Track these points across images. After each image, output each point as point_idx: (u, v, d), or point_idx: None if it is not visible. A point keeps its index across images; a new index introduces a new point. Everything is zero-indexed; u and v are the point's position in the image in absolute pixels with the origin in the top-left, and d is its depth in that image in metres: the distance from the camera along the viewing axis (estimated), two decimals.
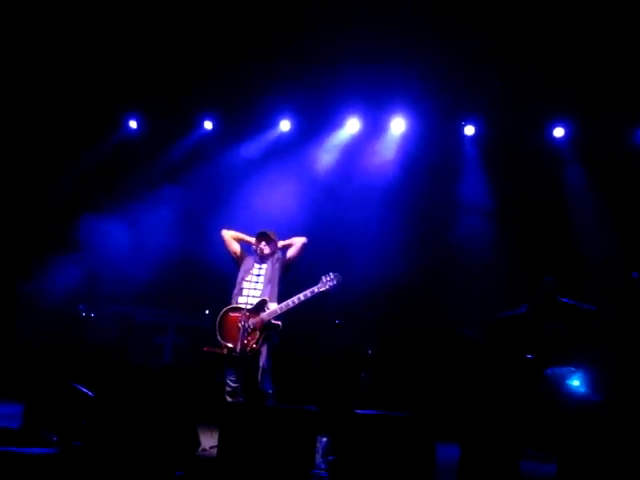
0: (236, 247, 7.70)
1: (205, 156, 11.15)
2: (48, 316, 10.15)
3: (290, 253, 7.54)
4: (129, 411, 6.16)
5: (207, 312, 10.18)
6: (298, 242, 7.55)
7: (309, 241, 7.62)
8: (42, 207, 10.84)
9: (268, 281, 7.38)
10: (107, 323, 10.22)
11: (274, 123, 11.06)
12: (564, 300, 8.41)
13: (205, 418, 7.01)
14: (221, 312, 7.39)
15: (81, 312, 10.30)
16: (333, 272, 7.31)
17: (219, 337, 7.29)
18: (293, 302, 7.22)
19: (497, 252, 10.05)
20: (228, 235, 7.76)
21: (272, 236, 7.55)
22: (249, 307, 7.23)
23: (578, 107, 10.02)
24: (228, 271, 7.94)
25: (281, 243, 7.61)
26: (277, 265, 7.48)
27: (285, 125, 11.02)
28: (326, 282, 7.26)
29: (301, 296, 7.23)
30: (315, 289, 7.25)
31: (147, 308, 10.33)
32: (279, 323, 7.23)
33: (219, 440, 5.96)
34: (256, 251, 7.49)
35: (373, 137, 10.86)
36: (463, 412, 6.93)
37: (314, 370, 9.50)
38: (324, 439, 6.39)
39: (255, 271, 7.47)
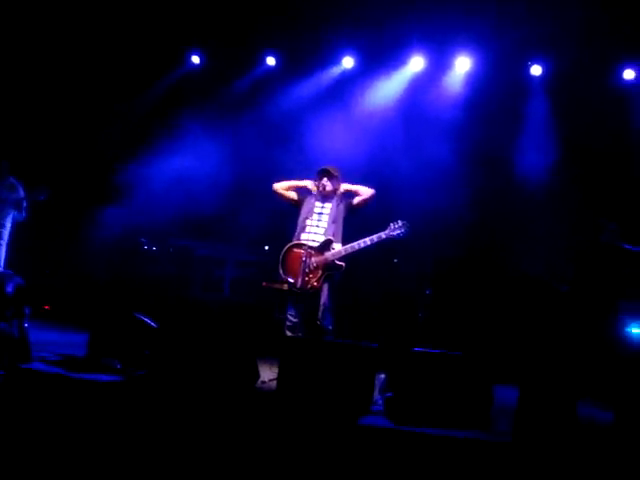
0: (292, 194, 7.67)
1: (268, 92, 11.07)
2: (112, 249, 10.36)
3: (356, 200, 7.47)
4: (190, 343, 6.30)
5: (266, 248, 10.25)
6: (366, 193, 7.46)
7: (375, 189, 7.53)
8: (106, 144, 10.97)
9: (333, 220, 7.35)
10: (168, 256, 10.38)
11: (337, 60, 10.92)
12: (627, 247, 8.28)
13: (264, 352, 7.14)
14: (285, 247, 7.40)
15: (143, 245, 10.47)
16: (402, 220, 7.20)
17: (281, 271, 7.31)
18: (359, 245, 7.17)
19: (562, 196, 9.85)
20: (280, 187, 7.71)
21: (334, 172, 7.49)
22: (314, 245, 7.25)
23: None
24: (288, 208, 7.95)
25: (347, 187, 7.52)
26: (341, 206, 7.44)
27: (348, 62, 10.88)
28: (394, 229, 7.17)
29: (367, 240, 7.17)
30: (383, 234, 7.17)
31: (207, 242, 10.42)
32: (342, 264, 7.22)
33: (279, 373, 6.07)
34: (318, 188, 7.46)
35: (437, 76, 10.67)
36: (523, 355, 6.88)
37: (373, 308, 9.56)
38: (382, 376, 6.45)
39: (317, 209, 7.45)
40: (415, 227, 7.41)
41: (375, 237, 7.17)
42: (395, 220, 7.22)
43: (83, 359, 6.74)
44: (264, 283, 7.73)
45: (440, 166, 9.99)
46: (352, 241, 7.24)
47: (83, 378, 6.04)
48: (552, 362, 6.22)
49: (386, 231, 7.18)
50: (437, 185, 9.95)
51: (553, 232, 9.68)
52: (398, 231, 7.16)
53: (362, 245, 7.17)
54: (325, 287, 7.21)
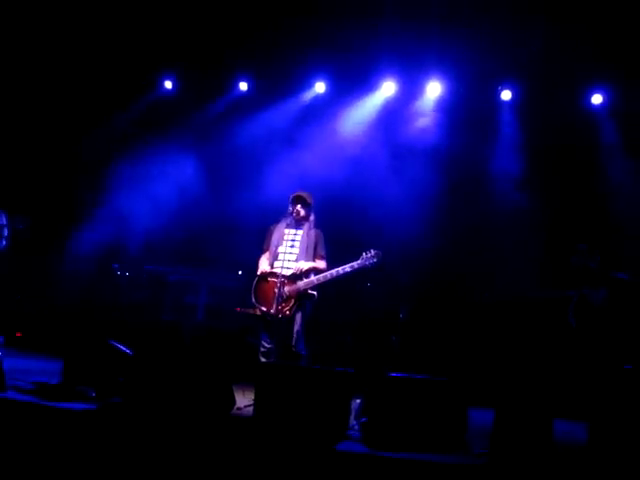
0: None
1: (240, 117, 11.10)
2: (85, 275, 10.30)
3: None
4: (165, 369, 6.27)
5: (240, 273, 10.24)
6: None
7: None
8: (75, 168, 10.92)
9: (305, 248, 7.38)
10: (141, 282, 10.32)
11: (309, 85, 10.99)
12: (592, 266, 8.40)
13: (239, 377, 7.12)
14: (257, 276, 7.45)
15: (115, 271, 10.42)
16: (375, 249, 7.18)
17: (254, 300, 7.35)
18: (331, 275, 7.20)
19: (532, 221, 9.97)
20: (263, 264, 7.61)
21: (307, 199, 7.53)
22: (286, 273, 7.25)
23: (618, 73, 9.85)
24: (261, 232, 7.96)
25: (306, 266, 7.39)
26: (312, 232, 7.47)
27: (320, 87, 10.95)
28: (366, 259, 7.15)
29: (340, 270, 7.18)
30: (355, 264, 7.16)
31: (180, 268, 10.39)
32: (314, 293, 7.26)
33: (255, 399, 6.06)
34: (292, 214, 7.48)
35: (409, 101, 10.78)
36: (498, 377, 6.93)
37: (347, 332, 9.57)
38: (357, 401, 6.47)
39: (289, 237, 7.48)
40: (389, 251, 7.45)
41: (348, 267, 7.18)
42: (368, 249, 7.21)
43: (57, 387, 6.64)
44: (238, 308, 7.73)
45: (413, 191, 10.09)
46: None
47: (57, 407, 5.97)
48: (526, 382, 6.27)
49: (359, 261, 7.18)
50: (410, 209, 10.01)
51: (523, 258, 9.77)
52: (370, 260, 7.14)
53: (334, 275, 7.19)
54: (298, 316, 7.23)
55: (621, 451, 5.77)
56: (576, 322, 8.23)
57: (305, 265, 7.32)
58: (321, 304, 7.63)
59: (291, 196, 7.55)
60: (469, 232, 10.28)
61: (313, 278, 7.24)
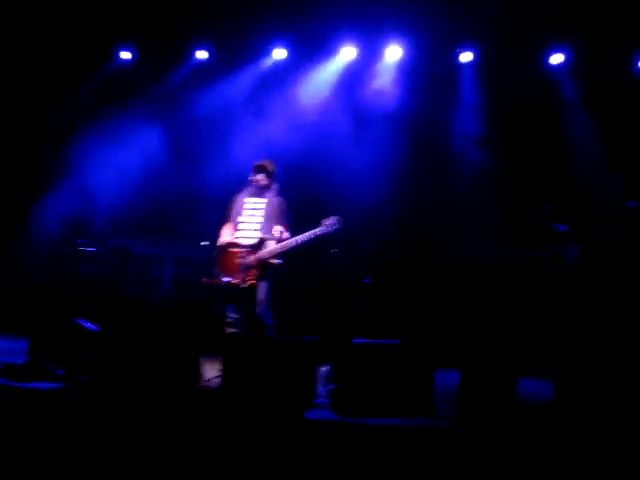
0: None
1: (200, 86, 10.97)
2: (48, 251, 10.20)
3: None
4: (131, 344, 6.25)
5: (206, 243, 10.19)
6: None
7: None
8: (36, 143, 10.75)
9: (267, 216, 7.35)
10: (106, 257, 10.24)
11: (268, 52, 10.88)
12: (560, 228, 8.50)
13: (206, 349, 7.11)
14: (218, 247, 7.44)
15: (80, 246, 10.32)
16: (336, 216, 7.10)
17: (217, 271, 7.36)
18: (294, 242, 7.14)
19: (494, 182, 10.03)
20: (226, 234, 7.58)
21: (269, 167, 7.49)
22: (248, 242, 7.25)
23: (577, 33, 9.88)
24: (225, 202, 7.93)
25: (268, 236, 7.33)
26: (275, 201, 7.43)
27: (280, 53, 10.85)
28: (327, 226, 7.07)
29: (301, 238, 7.12)
30: (317, 231, 7.08)
31: (144, 240, 10.33)
32: (278, 262, 7.24)
33: (223, 371, 6.07)
34: (253, 183, 7.45)
35: (369, 65, 10.72)
36: (462, 339, 7.00)
37: (314, 300, 9.59)
38: (324, 368, 6.51)
39: (250, 205, 7.46)
40: (352, 217, 7.44)
41: (308, 234, 7.10)
42: (328, 216, 7.14)
43: (24, 367, 6.61)
44: (204, 279, 7.69)
45: (375, 155, 10.10)
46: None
47: (24, 387, 5.96)
48: (490, 342, 6.36)
49: (319, 228, 7.09)
50: (373, 174, 10.02)
51: (489, 215, 9.83)
52: (331, 227, 7.07)
53: (296, 242, 7.13)
54: (263, 284, 7.22)
55: (586, 407, 5.89)
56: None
57: (267, 235, 7.29)
58: (287, 272, 7.64)
59: (253, 165, 7.50)
60: (432, 195, 10.30)
61: (276, 246, 7.20)
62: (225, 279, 7.23)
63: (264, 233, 7.29)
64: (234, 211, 7.51)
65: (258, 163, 7.49)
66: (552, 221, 8.69)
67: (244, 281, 7.15)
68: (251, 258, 7.20)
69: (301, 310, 9.37)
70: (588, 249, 8.54)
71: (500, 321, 8.57)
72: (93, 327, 6.63)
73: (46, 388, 5.98)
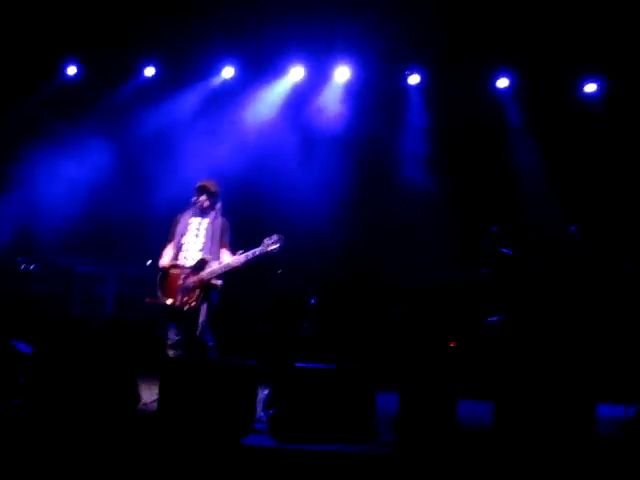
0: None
1: (147, 104, 10.85)
2: None
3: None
4: (68, 366, 6.11)
5: (149, 262, 10.05)
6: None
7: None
8: None
9: (210, 237, 7.26)
10: (47, 275, 10.05)
11: (217, 70, 10.82)
12: (503, 251, 8.56)
13: (146, 371, 7.00)
14: (162, 269, 7.34)
15: (20, 264, 10.11)
16: (277, 234, 7.01)
17: (159, 293, 7.26)
18: (234, 263, 7.07)
19: (441, 204, 10.08)
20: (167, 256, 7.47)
21: (212, 188, 7.41)
22: (190, 264, 7.17)
23: (521, 57, 10.02)
24: (168, 221, 7.84)
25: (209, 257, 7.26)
26: (218, 221, 7.35)
27: (228, 72, 10.79)
28: (269, 244, 6.98)
29: (242, 257, 7.03)
30: (257, 251, 7.00)
31: (87, 258, 10.18)
32: (218, 283, 7.15)
33: (159, 395, 5.96)
34: (196, 204, 7.38)
35: (317, 86, 10.73)
36: (402, 361, 6.97)
37: (258, 321, 9.51)
38: (265, 391, 6.44)
39: (194, 225, 7.36)
40: (299, 237, 7.38)
41: (250, 253, 7.03)
42: (270, 235, 7.05)
43: None
44: (147, 299, 7.57)
45: (323, 176, 10.11)
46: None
47: None
48: (429, 365, 6.33)
49: (260, 247, 7.01)
50: (320, 194, 10.02)
51: (435, 236, 9.87)
52: (273, 246, 6.97)
53: (236, 263, 7.06)
54: (204, 307, 7.11)
55: (526, 430, 5.90)
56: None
57: (208, 256, 7.21)
58: (231, 292, 7.55)
59: (195, 186, 7.42)
60: (380, 217, 10.35)
61: (216, 267, 7.12)
62: (167, 301, 7.13)
63: (206, 254, 7.20)
64: (177, 231, 7.42)
65: (199, 184, 7.40)
66: (498, 244, 8.73)
67: (186, 302, 7.05)
68: (192, 279, 7.11)
69: (246, 331, 9.30)
70: (532, 271, 8.61)
71: (445, 342, 8.62)
72: (27, 349, 6.47)
73: None
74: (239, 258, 7.07)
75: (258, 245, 7.06)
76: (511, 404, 6.07)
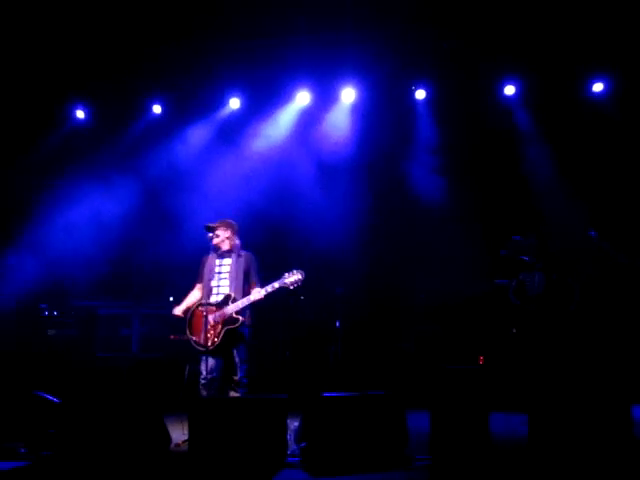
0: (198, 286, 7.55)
1: (157, 142, 10.90)
2: (8, 317, 9.96)
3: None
4: (97, 413, 6.09)
5: (171, 299, 10.07)
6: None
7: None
8: None
9: (234, 278, 7.26)
10: (70, 319, 10.08)
11: (223, 102, 10.86)
12: (523, 258, 8.51)
13: (173, 410, 6.99)
14: (191, 308, 7.35)
15: (43, 311, 10.14)
16: (297, 269, 7.11)
17: (187, 331, 7.25)
18: (254, 297, 7.10)
19: (460, 216, 10.03)
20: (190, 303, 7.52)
21: (221, 225, 7.39)
22: (215, 300, 7.19)
23: (527, 63, 9.95)
24: (189, 257, 7.83)
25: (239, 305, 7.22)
26: (241, 260, 7.34)
27: (235, 103, 10.83)
28: (287, 277, 7.08)
29: (262, 291, 7.08)
30: (276, 284, 7.08)
31: (109, 300, 10.21)
32: (240, 317, 7.11)
33: (189, 435, 5.93)
34: (212, 244, 7.37)
35: (324, 108, 10.72)
36: (432, 380, 6.91)
37: (283, 349, 9.50)
38: (295, 423, 6.39)
39: (217, 269, 7.35)
40: (321, 263, 7.33)
41: (269, 287, 7.10)
42: (290, 267, 7.14)
43: None
44: (172, 336, 7.57)
45: (339, 200, 10.11)
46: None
47: None
48: (460, 381, 6.26)
49: (280, 280, 7.09)
50: (336, 218, 9.99)
51: (456, 250, 9.81)
52: (292, 280, 7.07)
53: (257, 297, 7.09)
54: (240, 346, 7.14)
55: (562, 441, 5.82)
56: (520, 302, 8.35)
57: (233, 293, 7.23)
58: (258, 325, 7.52)
59: (204, 226, 7.38)
60: (399, 234, 10.30)
61: (238, 302, 7.12)
62: (192, 337, 7.12)
63: (232, 291, 7.21)
64: (205, 274, 7.40)
65: (206, 225, 7.37)
66: (520, 252, 8.67)
67: (209, 339, 7.03)
68: (215, 315, 7.09)
69: (275, 361, 9.29)
70: (554, 278, 8.51)
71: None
72: (54, 399, 6.46)
73: (6, 468, 5.79)
74: (259, 293, 7.09)
75: (278, 278, 7.10)
76: (545, 415, 5.99)
